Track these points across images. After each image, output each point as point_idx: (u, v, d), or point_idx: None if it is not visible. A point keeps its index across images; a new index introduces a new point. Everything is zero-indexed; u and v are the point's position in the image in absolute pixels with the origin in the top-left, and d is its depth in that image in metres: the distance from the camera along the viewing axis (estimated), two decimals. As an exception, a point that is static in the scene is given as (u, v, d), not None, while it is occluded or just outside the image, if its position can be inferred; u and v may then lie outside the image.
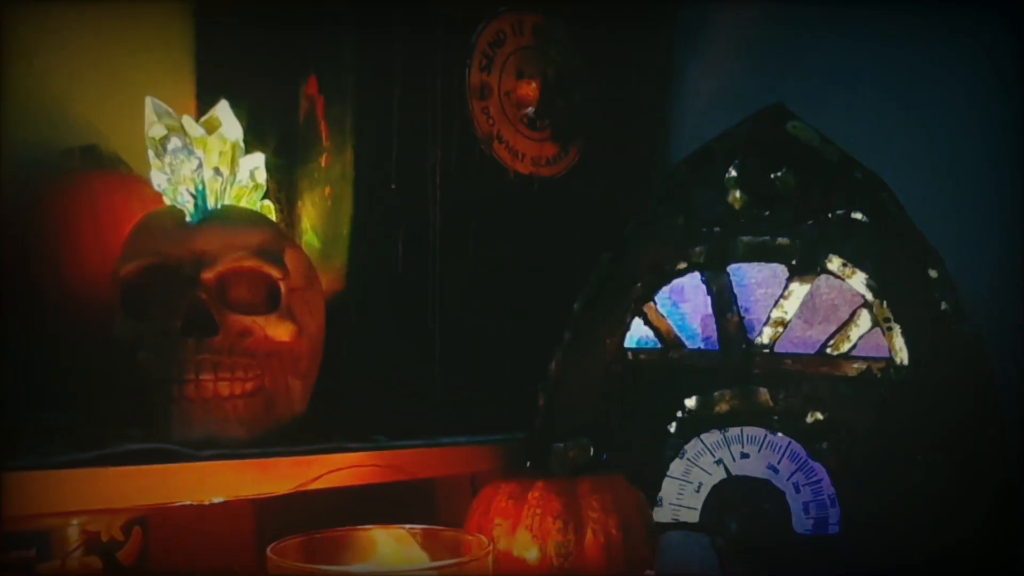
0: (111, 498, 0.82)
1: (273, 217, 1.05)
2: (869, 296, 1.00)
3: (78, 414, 0.97)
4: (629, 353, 1.11)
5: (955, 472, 0.93)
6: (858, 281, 1.01)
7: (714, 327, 1.08)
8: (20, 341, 1.01)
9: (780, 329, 1.05)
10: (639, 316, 1.11)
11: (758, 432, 1.03)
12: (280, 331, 0.94)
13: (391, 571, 0.84)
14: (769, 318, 1.05)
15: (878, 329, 1.00)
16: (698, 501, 1.05)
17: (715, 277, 1.08)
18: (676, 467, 1.06)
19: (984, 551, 0.90)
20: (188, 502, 0.87)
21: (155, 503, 0.86)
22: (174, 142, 0.95)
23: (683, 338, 1.10)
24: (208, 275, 0.92)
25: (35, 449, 0.83)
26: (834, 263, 1.02)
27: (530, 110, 1.17)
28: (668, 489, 1.06)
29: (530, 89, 1.16)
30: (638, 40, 1.31)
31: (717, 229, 1.08)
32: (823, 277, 1.03)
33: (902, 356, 0.98)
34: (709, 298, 1.08)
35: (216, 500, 0.89)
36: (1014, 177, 1.11)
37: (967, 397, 0.94)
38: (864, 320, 1.01)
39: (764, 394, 1.04)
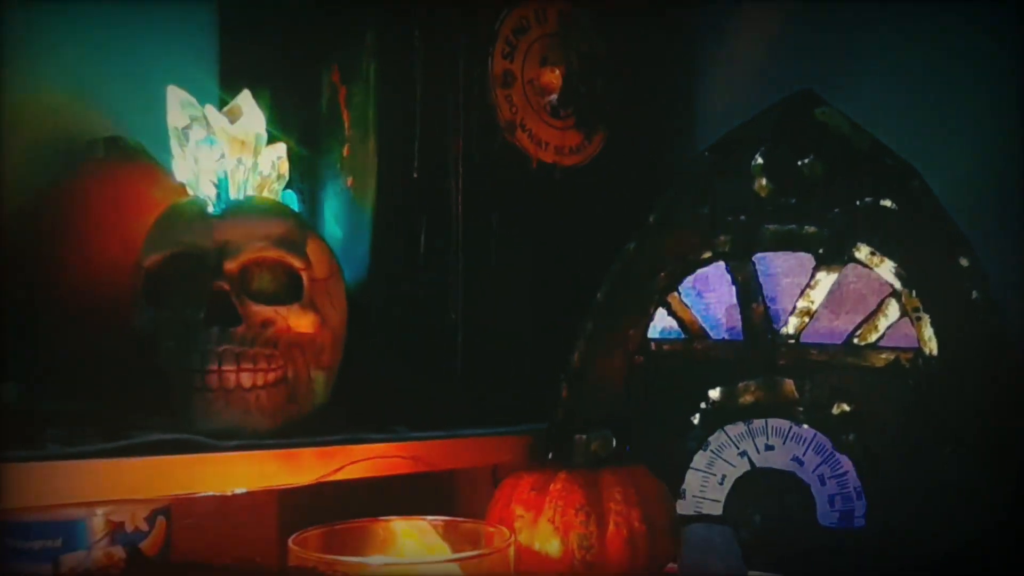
0: (135, 488, 0.82)
1: (295, 207, 1.05)
2: (898, 285, 0.99)
3: (101, 404, 0.97)
4: (652, 344, 1.10)
5: (983, 464, 0.92)
6: (886, 270, 0.99)
7: (739, 317, 1.07)
8: (43, 331, 1.02)
9: (806, 319, 1.03)
10: (663, 306, 1.10)
11: (783, 424, 1.02)
12: (303, 322, 0.94)
13: (412, 562, 0.84)
14: (795, 308, 1.04)
15: (906, 319, 0.99)
16: (722, 493, 1.04)
17: (740, 266, 1.07)
18: (700, 459, 1.05)
19: (1013, 544, 0.89)
20: (211, 493, 0.87)
21: (178, 493, 0.86)
22: (197, 132, 0.95)
23: (707, 328, 1.09)
24: (231, 265, 0.92)
25: (58, 439, 0.83)
26: (862, 252, 1.01)
27: (553, 98, 1.16)
28: (691, 481, 1.05)
29: (554, 77, 1.15)
30: (662, 26, 1.30)
31: (743, 218, 1.06)
32: (851, 266, 1.02)
33: (931, 347, 0.97)
34: (734, 288, 1.07)
35: (239, 491, 0.89)
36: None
37: (997, 388, 0.92)
38: (892, 310, 1.00)
39: (789, 385, 1.02)
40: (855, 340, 1.01)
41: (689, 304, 1.10)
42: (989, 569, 0.90)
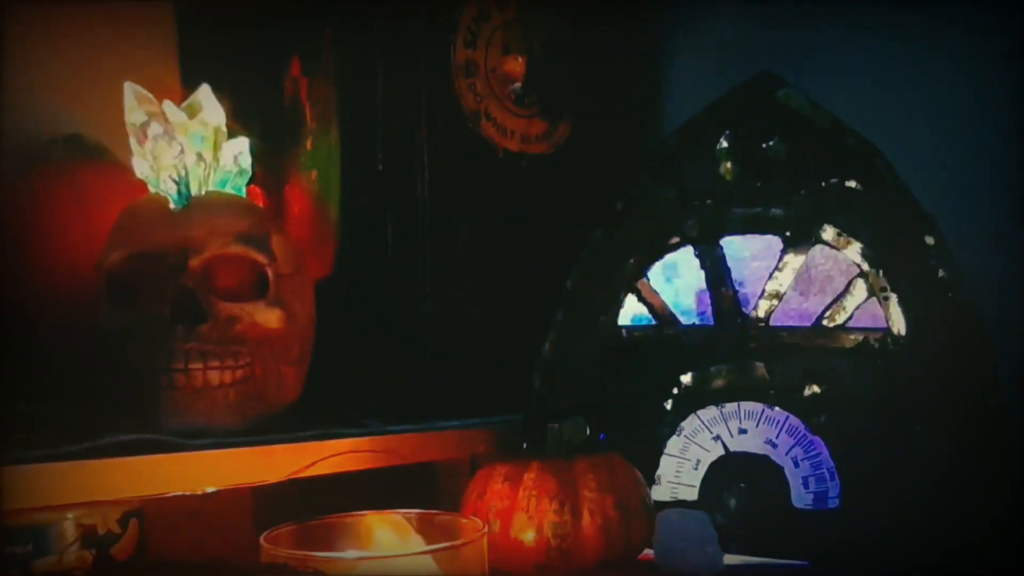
0: (104, 490, 0.81)
1: (259, 202, 1.04)
2: (865, 266, 0.99)
3: (67, 406, 0.96)
4: (623, 331, 1.10)
5: (954, 442, 0.93)
6: (853, 251, 1.00)
7: (708, 302, 1.07)
8: (7, 333, 1.01)
9: (775, 302, 1.03)
10: (632, 293, 1.10)
11: (755, 407, 1.02)
12: (269, 318, 0.93)
13: (385, 556, 0.83)
14: (764, 291, 1.04)
15: (874, 299, 0.99)
16: (696, 478, 1.04)
17: (708, 251, 1.07)
18: (673, 444, 1.05)
19: (983, 520, 0.90)
20: (182, 492, 0.86)
21: (148, 494, 0.85)
22: (155, 128, 0.94)
23: (677, 314, 1.09)
24: (194, 262, 0.91)
25: (25, 442, 0.82)
26: (829, 233, 1.01)
27: (517, 86, 1.15)
28: (666, 467, 1.06)
29: (517, 64, 1.15)
30: (626, 11, 1.29)
31: (709, 202, 1.06)
32: (818, 247, 1.02)
33: (899, 326, 0.97)
34: (703, 272, 1.07)
35: (210, 490, 0.89)
36: (1010, 142, 1.09)
37: (965, 365, 0.93)
38: (860, 290, 1.00)
39: (760, 368, 1.03)
40: (824, 322, 1.01)
41: (658, 290, 1.10)
42: (963, 546, 0.91)
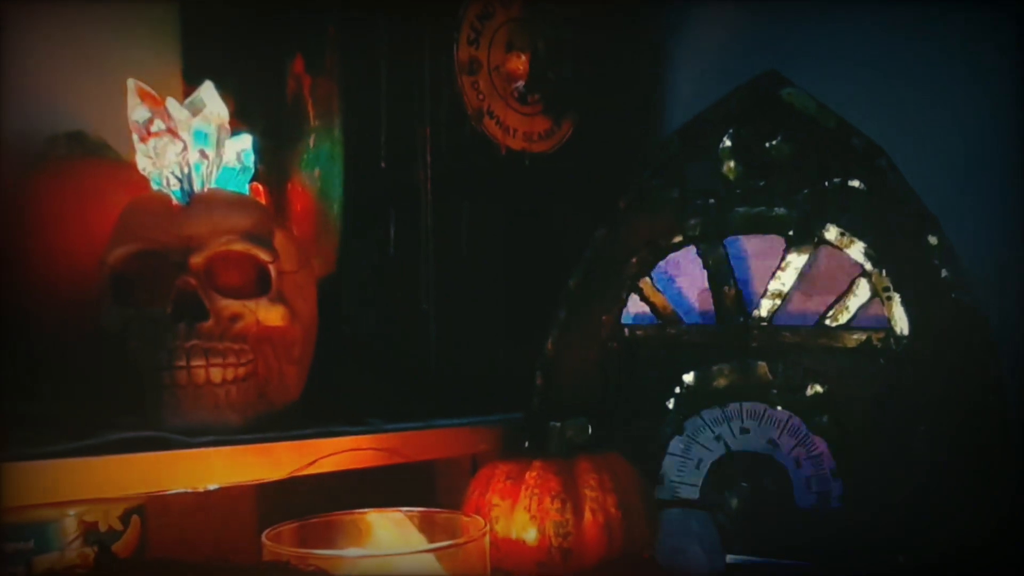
0: (105, 487, 0.81)
1: (262, 200, 1.04)
2: (868, 265, 0.99)
3: (69, 404, 0.96)
4: (625, 329, 1.10)
5: (956, 442, 0.92)
6: (856, 250, 1.00)
7: (711, 301, 1.07)
8: (9, 331, 1.00)
9: (778, 301, 1.03)
10: (635, 292, 1.10)
11: (758, 407, 1.02)
12: (272, 315, 0.93)
13: (387, 554, 0.83)
14: (767, 290, 1.04)
15: (877, 299, 0.99)
16: (698, 477, 1.04)
17: (711, 250, 1.07)
18: (676, 444, 1.05)
19: (985, 520, 0.90)
20: (183, 490, 0.86)
21: (150, 491, 0.85)
22: (158, 125, 0.93)
23: (680, 313, 1.09)
24: (196, 260, 0.91)
25: (27, 440, 0.82)
26: (831, 232, 1.01)
27: (520, 84, 1.15)
28: (668, 466, 1.05)
29: (520, 63, 1.15)
30: (630, 10, 1.29)
31: (712, 201, 1.06)
32: (821, 247, 1.02)
33: (902, 326, 0.97)
34: (705, 272, 1.07)
35: (211, 487, 0.89)
36: (1015, 142, 1.09)
37: (968, 365, 0.93)
38: (863, 290, 1.00)
39: (763, 368, 1.03)
40: (827, 321, 1.01)
41: (661, 289, 1.10)
42: (963, 546, 0.91)
